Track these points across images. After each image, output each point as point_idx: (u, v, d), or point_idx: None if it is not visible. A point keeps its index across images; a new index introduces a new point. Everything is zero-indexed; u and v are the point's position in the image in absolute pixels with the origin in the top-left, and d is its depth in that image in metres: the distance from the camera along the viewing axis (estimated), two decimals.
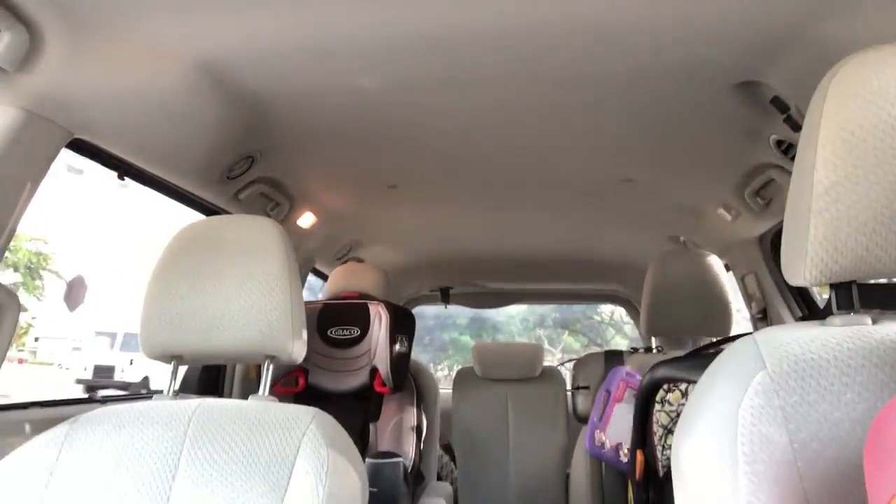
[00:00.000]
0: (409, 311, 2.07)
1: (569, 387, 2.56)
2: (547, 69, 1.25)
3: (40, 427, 0.93)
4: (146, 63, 1.15)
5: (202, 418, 0.89)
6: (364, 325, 1.93)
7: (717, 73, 1.25)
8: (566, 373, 2.99)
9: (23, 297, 12.00)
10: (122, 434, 0.89)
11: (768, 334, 0.65)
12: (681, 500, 0.65)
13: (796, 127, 1.32)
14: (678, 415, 1.37)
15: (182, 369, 1.09)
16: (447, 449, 2.91)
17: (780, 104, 1.29)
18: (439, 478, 2.59)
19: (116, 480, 0.85)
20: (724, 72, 1.25)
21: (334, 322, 1.93)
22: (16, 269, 12.05)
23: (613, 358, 1.93)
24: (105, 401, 1.57)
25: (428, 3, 1.03)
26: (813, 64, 1.06)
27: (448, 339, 10.24)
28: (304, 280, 2.47)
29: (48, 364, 12.66)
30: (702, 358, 1.35)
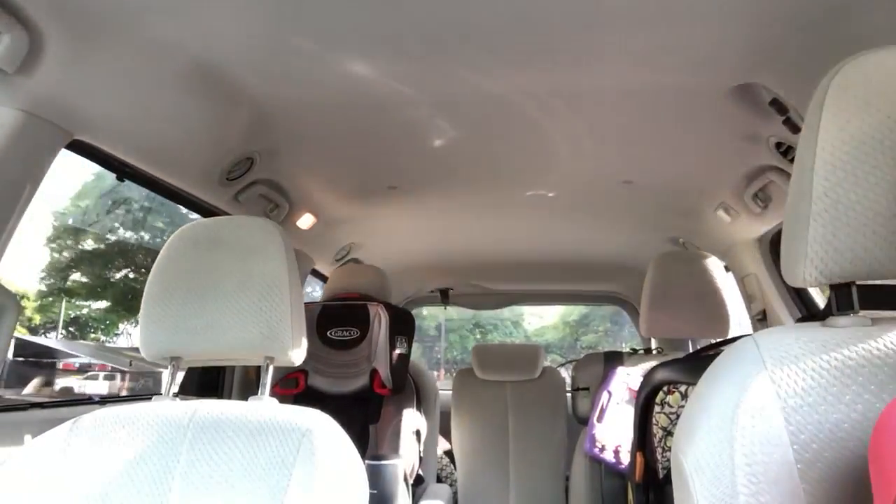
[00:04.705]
0: (409, 313, 2.06)
1: (568, 388, 2.56)
2: (546, 70, 1.25)
3: (41, 428, 0.93)
4: (146, 65, 1.15)
5: (202, 420, 0.89)
6: (364, 326, 1.92)
7: (717, 74, 1.25)
8: (566, 374, 2.99)
9: None
10: (122, 436, 0.89)
11: (768, 335, 0.65)
12: (680, 503, 0.65)
13: (795, 129, 1.32)
14: (678, 416, 1.37)
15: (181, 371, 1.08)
16: (447, 450, 2.90)
17: (779, 106, 1.29)
18: (439, 480, 2.59)
19: (116, 482, 0.85)
20: (724, 74, 1.25)
21: (334, 323, 1.93)
22: None
23: (613, 359, 1.93)
24: (104, 402, 1.57)
25: (427, 3, 1.03)
26: (812, 66, 1.06)
27: None
28: (303, 281, 2.47)
29: None
30: (701, 359, 1.35)
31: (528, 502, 2.64)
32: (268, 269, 0.97)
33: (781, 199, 1.71)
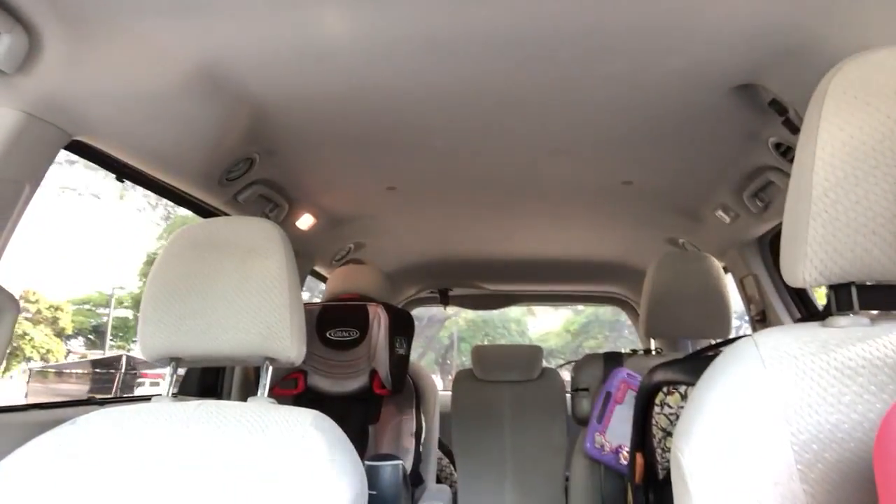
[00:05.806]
0: (409, 313, 2.07)
1: (568, 389, 2.56)
2: (546, 71, 1.25)
3: (40, 429, 0.93)
4: (145, 65, 1.15)
5: (201, 420, 0.89)
6: (363, 326, 1.93)
7: (716, 75, 1.25)
8: (566, 375, 2.98)
9: None
10: (121, 436, 0.89)
11: (767, 336, 0.65)
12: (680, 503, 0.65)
13: (795, 129, 1.32)
14: (677, 417, 1.37)
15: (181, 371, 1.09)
16: (446, 451, 2.90)
17: (778, 107, 1.29)
18: (438, 480, 2.59)
19: (115, 482, 0.85)
20: (723, 74, 1.25)
21: (333, 324, 1.93)
22: None
23: (613, 360, 1.93)
24: (103, 403, 1.57)
25: (427, 5, 1.03)
26: (811, 66, 1.06)
27: None
28: (303, 282, 2.47)
29: None
30: (701, 360, 1.34)
31: (528, 503, 2.64)
32: (267, 269, 0.97)
33: (781, 200, 1.71)
